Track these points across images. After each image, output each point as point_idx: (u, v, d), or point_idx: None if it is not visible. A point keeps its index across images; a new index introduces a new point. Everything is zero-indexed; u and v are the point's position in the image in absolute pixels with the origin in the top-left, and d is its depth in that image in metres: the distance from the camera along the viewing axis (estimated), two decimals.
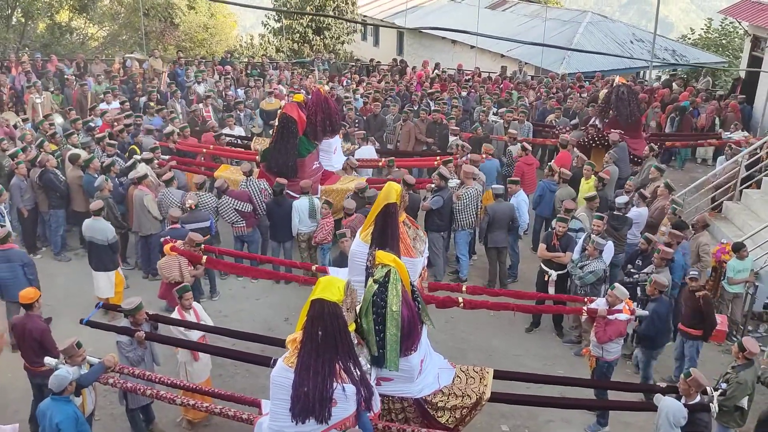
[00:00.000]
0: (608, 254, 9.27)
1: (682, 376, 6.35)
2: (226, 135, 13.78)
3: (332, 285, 5.22)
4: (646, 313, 7.86)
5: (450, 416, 6.24)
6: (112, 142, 12.19)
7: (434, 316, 8.75)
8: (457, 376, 6.52)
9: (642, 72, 24.58)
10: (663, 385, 6.90)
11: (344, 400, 5.24)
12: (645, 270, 8.91)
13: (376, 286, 5.66)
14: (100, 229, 9.57)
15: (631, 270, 9.21)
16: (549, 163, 12.82)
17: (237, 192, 10.65)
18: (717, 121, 16.20)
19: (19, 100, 16.17)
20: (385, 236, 6.57)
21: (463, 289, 8.02)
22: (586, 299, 8.18)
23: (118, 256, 9.88)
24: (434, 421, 6.23)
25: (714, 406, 6.11)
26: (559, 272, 9.47)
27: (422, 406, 6.22)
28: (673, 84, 19.43)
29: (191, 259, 8.69)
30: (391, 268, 5.72)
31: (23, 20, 25.14)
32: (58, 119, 14.40)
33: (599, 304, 7.82)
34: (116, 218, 10.42)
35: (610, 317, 7.57)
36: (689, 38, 30.42)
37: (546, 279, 9.49)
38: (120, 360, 6.84)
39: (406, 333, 5.76)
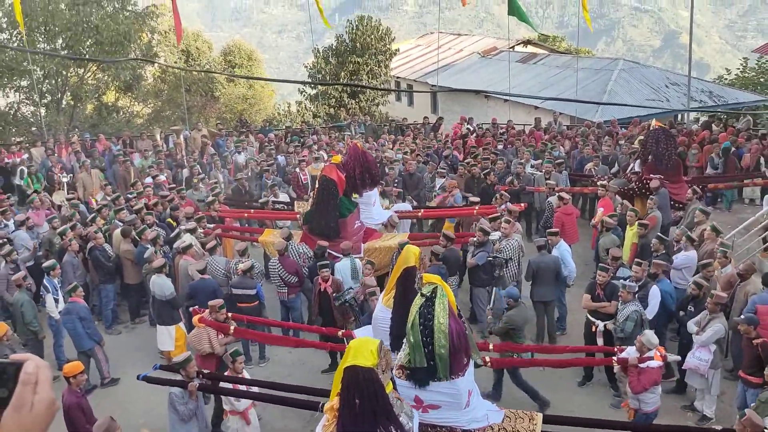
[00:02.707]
0: (654, 300, 9.04)
1: (737, 417, 6.22)
2: (274, 202, 14.06)
3: (364, 349, 5.06)
4: (678, 358, 7.68)
5: None
6: (150, 212, 12.57)
7: (482, 374, 8.66)
8: (507, 416, 6.41)
9: (679, 115, 24.41)
10: (719, 428, 6.62)
11: None
12: (698, 316, 8.64)
13: (423, 300, 5.66)
14: (160, 284, 10.04)
15: (683, 316, 8.95)
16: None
17: (288, 261, 10.73)
18: (762, 160, 15.89)
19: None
20: (407, 300, 6.55)
21: (490, 347, 7.86)
22: (616, 348, 7.99)
23: (179, 311, 10.20)
24: None
25: None
26: (606, 322, 9.26)
27: None
28: (712, 125, 19.21)
29: (219, 329, 8.72)
30: (438, 285, 5.75)
31: (72, 103, 26.40)
32: (100, 196, 14.90)
33: (630, 352, 7.62)
34: None
35: (642, 365, 7.38)
36: (726, 79, 30.22)
37: (594, 330, 9.28)
38: (171, 415, 6.94)
39: (455, 347, 5.67)
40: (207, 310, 8.80)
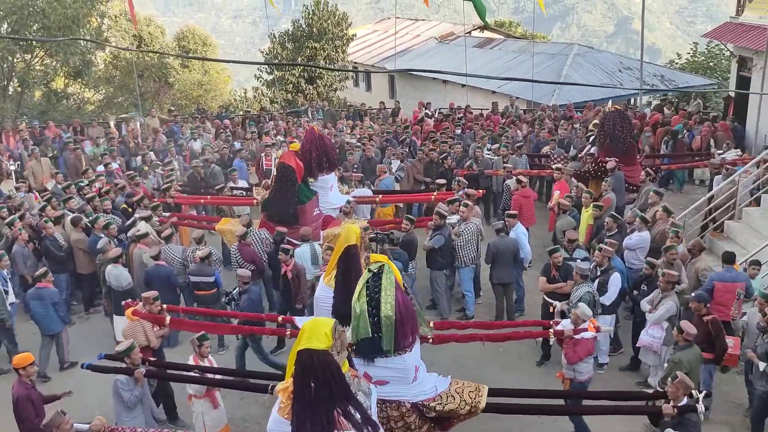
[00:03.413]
0: (614, 287, 9.21)
1: (669, 379, 6.49)
2: (232, 188, 13.88)
3: (318, 331, 5.03)
4: (610, 328, 7.95)
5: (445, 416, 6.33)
6: (105, 199, 12.32)
7: (440, 355, 8.72)
8: (454, 381, 6.61)
9: (632, 99, 24.85)
10: (650, 391, 7.02)
11: None
12: (651, 295, 8.83)
13: (370, 274, 5.83)
14: (117, 275, 9.89)
15: (637, 295, 9.15)
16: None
17: (246, 249, 10.59)
18: (712, 142, 16.29)
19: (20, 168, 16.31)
20: (349, 278, 6.58)
21: (431, 324, 7.98)
22: (551, 322, 8.23)
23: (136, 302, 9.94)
24: (435, 421, 6.31)
25: (701, 407, 6.20)
26: (563, 302, 9.40)
27: (421, 412, 6.24)
28: (664, 108, 19.61)
29: (154, 321, 8.57)
30: (385, 263, 5.95)
31: (20, 89, 25.55)
32: (51, 184, 14.51)
33: (565, 325, 7.88)
34: None
35: (577, 337, 7.63)
36: (677, 63, 30.84)
37: (551, 310, 9.42)
38: (116, 403, 6.91)
39: (402, 319, 5.82)
40: (141, 302, 8.65)
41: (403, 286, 6.21)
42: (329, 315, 6.87)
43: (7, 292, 9.97)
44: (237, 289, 9.46)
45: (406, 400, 6.23)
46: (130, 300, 8.99)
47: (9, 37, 22.28)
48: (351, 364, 5.61)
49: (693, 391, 6.33)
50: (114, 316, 10.05)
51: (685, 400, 6.30)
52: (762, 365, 7.58)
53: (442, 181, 13.32)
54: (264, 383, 7.07)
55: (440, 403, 6.30)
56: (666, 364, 7.19)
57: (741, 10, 18.82)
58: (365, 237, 7.72)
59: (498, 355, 9.83)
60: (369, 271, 5.91)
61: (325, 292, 7.08)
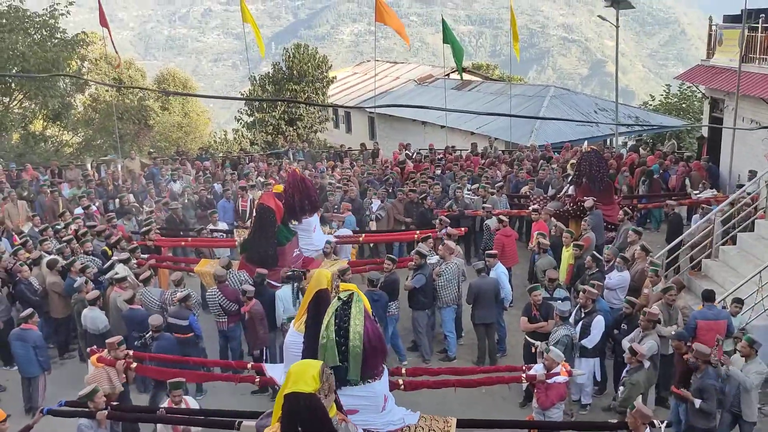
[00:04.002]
0: (597, 330, 9.20)
1: (628, 409, 6.54)
2: (212, 230, 13.78)
3: (305, 374, 4.95)
4: (583, 372, 7.97)
5: None
6: (87, 240, 12.16)
7: (424, 397, 8.63)
8: (422, 417, 6.59)
9: (609, 140, 25.28)
10: (614, 421, 7.00)
11: None
12: (631, 335, 8.84)
13: (339, 302, 5.86)
14: (93, 318, 9.82)
15: (617, 334, 9.15)
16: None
17: (228, 290, 10.48)
18: (687, 181, 16.55)
19: None
20: (319, 323, 6.52)
21: (403, 371, 7.97)
22: (524, 367, 8.20)
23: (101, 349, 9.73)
24: None
25: None
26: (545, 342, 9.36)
27: None
28: (640, 149, 19.95)
29: (119, 368, 8.35)
30: (354, 292, 5.99)
31: None
32: (27, 227, 14.32)
33: (537, 369, 7.85)
34: None
35: (549, 381, 7.61)
36: (650, 104, 31.54)
37: (533, 351, 9.37)
38: None
39: (370, 349, 5.84)
40: (105, 350, 8.47)
41: (372, 314, 6.25)
42: (298, 360, 6.79)
43: None
44: (149, 333, 9.34)
45: (375, 429, 6.22)
46: (95, 347, 8.83)
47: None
48: (339, 407, 5.53)
49: (654, 421, 6.40)
50: (89, 360, 9.81)
51: (647, 431, 6.36)
52: (697, 402, 7.64)
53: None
54: (230, 420, 7.00)
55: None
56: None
57: (711, 53, 19.36)
58: (338, 281, 7.65)
59: (481, 396, 9.71)
60: (339, 299, 5.94)
61: (294, 338, 7.00)
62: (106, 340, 8.53)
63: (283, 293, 10.42)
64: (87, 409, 7.19)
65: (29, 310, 9.75)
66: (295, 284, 10.52)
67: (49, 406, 7.60)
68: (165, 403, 7.68)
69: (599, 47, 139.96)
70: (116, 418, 7.46)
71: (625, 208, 13.40)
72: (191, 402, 7.83)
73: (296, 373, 5.01)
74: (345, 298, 5.93)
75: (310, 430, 4.86)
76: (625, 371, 7.86)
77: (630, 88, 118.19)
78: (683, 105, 29.58)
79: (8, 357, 10.76)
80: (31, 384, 9.74)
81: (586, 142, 17.92)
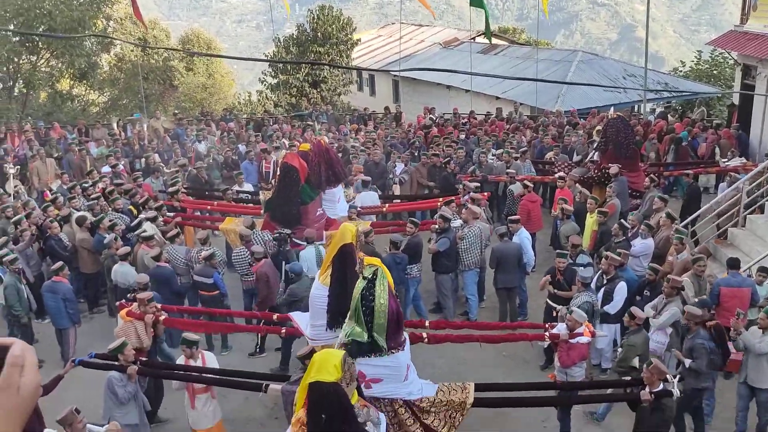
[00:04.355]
0: (620, 296, 9.20)
1: (644, 365, 6.72)
2: (238, 191, 13.90)
3: (328, 363, 5.04)
4: (605, 334, 8.04)
5: (435, 418, 6.46)
6: (116, 198, 12.36)
7: (444, 360, 8.74)
8: (440, 390, 6.72)
9: (636, 106, 24.86)
10: (628, 378, 7.23)
11: None
12: (654, 302, 8.84)
13: (365, 282, 6.00)
14: (124, 273, 10.06)
15: (639, 301, 9.15)
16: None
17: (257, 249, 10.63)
18: (717, 149, 16.30)
19: (24, 168, 16.37)
20: (344, 277, 6.65)
21: (426, 323, 8.07)
22: (547, 325, 8.25)
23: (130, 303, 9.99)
24: (425, 425, 6.44)
25: (676, 391, 6.46)
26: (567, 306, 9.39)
27: (412, 410, 6.39)
28: (668, 116, 19.62)
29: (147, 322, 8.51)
30: (378, 267, 6.13)
31: (25, 90, 25.66)
32: (56, 185, 14.56)
33: (560, 329, 7.91)
34: None
35: (572, 341, 7.65)
36: (681, 71, 30.88)
37: (555, 314, 9.42)
38: (107, 399, 7.07)
39: (393, 324, 6.04)
40: (135, 303, 8.65)
41: (393, 289, 6.40)
42: (324, 313, 6.97)
43: (22, 290, 10.06)
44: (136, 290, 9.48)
45: (398, 397, 6.35)
46: (124, 300, 9.01)
47: (23, 32, 22.31)
48: (360, 394, 5.68)
49: (668, 376, 6.57)
50: (118, 315, 10.07)
51: (660, 386, 6.51)
52: (687, 362, 7.74)
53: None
54: (258, 382, 7.19)
55: (429, 403, 6.46)
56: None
57: (745, 19, 18.84)
58: (361, 236, 7.78)
59: (502, 359, 9.83)
60: (363, 278, 6.06)
61: (320, 291, 7.14)
62: (137, 295, 8.71)
63: (307, 253, 10.54)
64: (117, 363, 7.37)
65: (59, 263, 9.99)
66: (318, 245, 10.64)
67: (80, 357, 7.82)
68: (181, 360, 7.85)
69: (629, 11, 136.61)
70: (146, 373, 7.59)
71: (651, 175, 13.26)
72: (209, 357, 7.94)
73: (319, 362, 5.12)
74: (370, 276, 6.04)
75: (334, 418, 4.98)
76: (624, 334, 8.02)
77: (660, 54, 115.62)
78: (714, 72, 28.90)
79: (41, 310, 11.08)
80: (63, 336, 10.01)
81: (612, 109, 17.67)
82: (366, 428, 5.34)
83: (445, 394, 6.60)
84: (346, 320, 6.21)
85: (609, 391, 7.83)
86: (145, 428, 7.69)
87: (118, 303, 9.03)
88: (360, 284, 6.05)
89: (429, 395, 6.54)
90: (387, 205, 12.98)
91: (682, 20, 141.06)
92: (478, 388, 6.78)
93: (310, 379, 5.02)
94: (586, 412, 8.43)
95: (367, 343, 6.01)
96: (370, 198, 13.20)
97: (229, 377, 7.88)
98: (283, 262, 10.40)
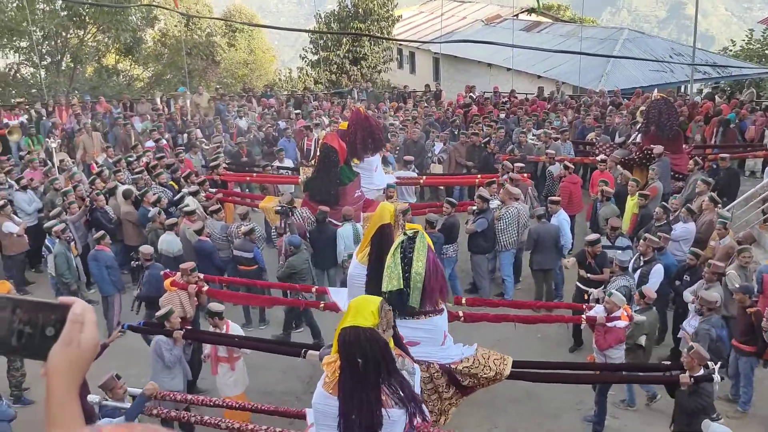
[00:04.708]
0: (656, 278, 9.09)
1: (684, 350, 6.77)
2: (279, 167, 14.08)
3: (364, 309, 5.07)
4: (644, 318, 7.94)
5: (470, 381, 6.56)
6: (160, 172, 12.65)
7: (479, 338, 8.79)
8: (480, 352, 6.82)
9: (683, 87, 24.25)
10: (668, 363, 7.37)
11: (391, 425, 5.19)
12: (694, 286, 8.72)
13: (405, 237, 6.19)
14: (170, 242, 10.37)
15: (679, 285, 9.04)
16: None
17: (295, 222, 10.82)
18: (766, 132, 15.82)
19: (71, 141, 16.78)
20: (382, 257, 6.68)
21: (463, 301, 8.12)
22: (584, 306, 8.19)
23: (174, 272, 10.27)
24: (460, 387, 6.57)
25: (716, 377, 6.47)
26: (598, 290, 9.31)
27: (450, 374, 6.48)
28: (716, 97, 19.10)
29: (190, 292, 8.75)
30: (420, 231, 6.33)
31: (72, 65, 26.21)
32: (102, 158, 14.91)
33: (598, 311, 7.86)
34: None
35: (609, 324, 7.62)
36: (731, 50, 29.97)
37: (586, 297, 9.35)
38: (155, 363, 7.34)
39: (431, 280, 6.14)
40: (179, 273, 8.87)
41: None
42: (362, 292, 6.97)
43: (71, 259, 10.42)
44: (139, 262, 9.79)
45: (435, 361, 6.45)
46: (168, 270, 9.25)
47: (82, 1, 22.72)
48: (397, 343, 5.69)
49: (709, 363, 6.55)
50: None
51: (701, 371, 6.50)
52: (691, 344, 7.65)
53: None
54: (297, 348, 7.44)
55: (467, 366, 6.54)
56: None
57: None
58: (400, 216, 7.82)
59: (536, 341, 9.83)
60: (404, 234, 6.27)
61: (358, 270, 7.21)
62: (180, 265, 8.94)
63: (345, 231, 10.65)
64: (164, 328, 7.66)
65: (101, 232, 10.36)
66: (356, 224, 10.75)
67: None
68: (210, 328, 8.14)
69: None
70: (192, 338, 7.94)
71: (696, 158, 12.98)
72: (233, 327, 8.19)
73: (356, 307, 5.14)
74: (410, 234, 6.21)
75: (370, 361, 4.97)
76: (633, 311, 8.04)
77: (710, 33, 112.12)
78: (766, 51, 28.00)
79: (89, 281, 11.46)
80: (107, 303, 10.36)
81: (656, 90, 17.29)
82: (403, 375, 5.37)
83: (484, 357, 6.69)
84: (384, 272, 6.33)
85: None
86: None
87: (162, 272, 9.27)
88: (399, 238, 6.22)
89: (468, 354, 6.66)
90: (424, 177, 12.98)
91: None
92: (516, 365, 6.84)
93: (347, 324, 5.02)
94: (615, 402, 8.36)
95: (404, 304, 6.14)
96: (406, 176, 13.23)
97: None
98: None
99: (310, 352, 7.18)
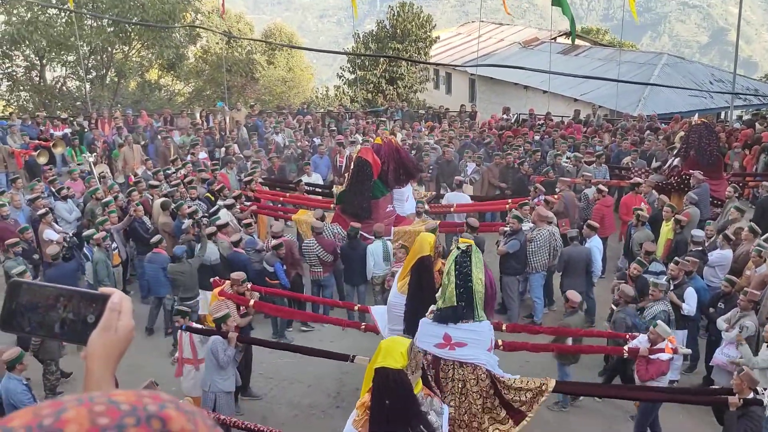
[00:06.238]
0: (691, 300, 8.97)
1: (735, 373, 6.71)
2: (308, 184, 14.24)
3: (394, 351, 5.19)
4: (689, 351, 7.86)
5: (516, 395, 6.49)
6: (194, 187, 12.89)
7: (509, 360, 8.75)
8: (521, 378, 6.78)
9: (723, 113, 23.92)
10: (716, 387, 7.35)
11: None
12: (728, 314, 8.57)
13: (459, 252, 6.29)
14: (209, 251, 10.56)
15: (713, 313, 8.89)
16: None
17: (326, 240, 10.93)
18: None
19: (111, 153, 17.19)
20: (421, 287, 6.79)
21: (503, 328, 7.94)
22: (627, 336, 7.98)
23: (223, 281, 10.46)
24: (505, 400, 6.52)
25: (766, 400, 6.39)
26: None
27: (494, 382, 6.46)
28: (756, 124, 18.78)
29: (238, 302, 8.85)
30: (472, 244, 6.45)
31: (116, 79, 26.94)
32: (141, 170, 15.26)
33: (641, 341, 7.64)
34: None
35: (652, 356, 7.41)
36: None
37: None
38: (209, 362, 7.71)
39: (488, 294, 6.35)
40: (228, 283, 9.00)
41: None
42: (401, 321, 7.09)
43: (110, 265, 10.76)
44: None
45: (481, 364, 6.44)
46: (218, 278, 9.42)
47: (128, 21, 23.44)
48: (425, 383, 5.80)
49: (758, 388, 6.52)
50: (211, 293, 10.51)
51: (750, 394, 6.45)
52: None
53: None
54: (346, 354, 7.60)
55: (510, 381, 6.51)
56: None
57: None
58: (439, 246, 7.95)
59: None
60: (458, 248, 6.37)
61: (397, 299, 7.36)
62: (231, 275, 9.08)
63: (375, 248, 10.72)
64: (220, 330, 7.92)
65: (158, 237, 10.78)
66: (386, 240, 10.81)
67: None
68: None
69: (722, 14, 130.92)
70: (244, 341, 8.23)
71: (735, 184, 12.78)
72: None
73: (386, 348, 5.30)
74: (464, 248, 6.34)
75: (398, 404, 5.12)
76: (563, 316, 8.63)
77: (753, 59, 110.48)
78: None
79: (124, 289, 11.68)
80: (161, 303, 10.76)
81: (696, 115, 17.08)
82: (429, 417, 5.43)
83: (525, 380, 6.67)
84: (441, 289, 6.47)
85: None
86: (234, 398, 8.31)
87: (212, 280, 9.47)
88: (454, 252, 6.32)
89: (511, 377, 6.67)
90: (455, 205, 12.99)
91: None
92: (557, 389, 6.83)
93: (377, 365, 5.19)
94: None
95: (459, 310, 6.24)
96: (458, 199, 13.23)
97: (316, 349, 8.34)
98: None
99: (358, 357, 7.31)
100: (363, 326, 8.75)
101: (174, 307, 9.38)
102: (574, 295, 8.74)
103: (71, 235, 11.70)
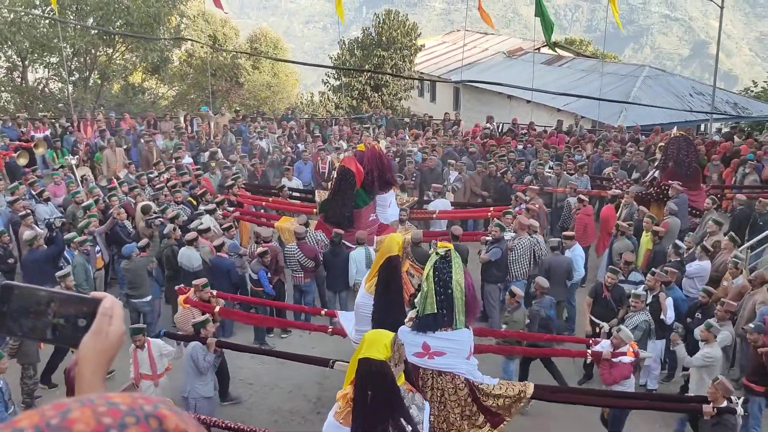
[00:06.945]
0: (669, 309, 9.09)
1: (711, 381, 6.84)
2: (290, 189, 14.25)
3: (378, 342, 5.24)
4: (650, 355, 8.02)
5: (494, 402, 6.56)
6: (178, 191, 12.85)
7: (486, 368, 8.81)
8: (501, 383, 6.84)
9: (702, 125, 24.24)
10: (691, 395, 7.50)
11: None
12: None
13: (437, 257, 6.26)
14: (189, 256, 10.52)
15: (690, 323, 9.01)
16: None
17: (307, 246, 10.94)
18: None
19: (93, 156, 17.08)
20: (389, 288, 6.81)
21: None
22: (591, 341, 8.18)
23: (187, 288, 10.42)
24: (484, 407, 6.58)
25: (739, 409, 6.55)
26: (610, 323, 9.29)
27: (472, 389, 6.51)
28: (735, 136, 19.07)
29: (203, 309, 8.79)
30: (451, 249, 6.40)
31: (99, 81, 26.76)
32: (123, 173, 15.18)
33: (604, 346, 7.86)
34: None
35: (615, 360, 7.61)
36: (752, 91, 29.95)
37: (597, 332, 9.34)
38: (188, 368, 7.68)
39: (469, 299, 6.30)
40: (191, 290, 8.98)
41: None
42: (368, 321, 7.12)
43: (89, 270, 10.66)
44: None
45: (461, 373, 6.48)
46: (182, 285, 9.39)
47: (116, 33, 23.30)
48: (407, 378, 5.81)
49: (732, 397, 6.67)
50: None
51: (724, 403, 6.59)
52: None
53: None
54: (325, 358, 7.65)
55: (488, 387, 6.57)
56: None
57: None
58: (407, 247, 7.99)
59: (546, 374, 9.77)
60: (436, 254, 6.34)
61: (365, 300, 7.37)
62: (193, 281, 9.08)
63: (357, 254, 10.75)
64: (199, 335, 7.93)
65: (145, 241, 10.62)
66: (369, 247, 10.83)
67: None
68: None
69: (703, 27, 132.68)
70: (223, 346, 8.22)
71: (713, 196, 12.97)
72: (154, 343, 8.35)
73: (370, 340, 5.34)
74: (443, 254, 6.30)
75: (380, 395, 5.15)
76: (506, 311, 8.94)
77: (734, 73, 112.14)
78: None
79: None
80: (151, 306, 10.65)
81: (675, 127, 17.31)
82: (410, 411, 5.45)
83: (504, 386, 6.73)
84: (417, 295, 6.47)
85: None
86: (213, 403, 8.30)
87: (177, 288, 9.44)
88: (433, 258, 6.28)
89: (490, 383, 6.70)
90: (437, 211, 13.07)
91: (760, 39, 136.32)
92: (537, 388, 6.90)
93: (361, 355, 5.21)
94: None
95: (440, 317, 6.23)
96: (442, 205, 13.34)
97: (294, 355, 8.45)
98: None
99: (338, 363, 7.32)
100: (330, 329, 8.79)
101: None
102: (518, 291, 9.08)
103: (59, 217, 11.67)
